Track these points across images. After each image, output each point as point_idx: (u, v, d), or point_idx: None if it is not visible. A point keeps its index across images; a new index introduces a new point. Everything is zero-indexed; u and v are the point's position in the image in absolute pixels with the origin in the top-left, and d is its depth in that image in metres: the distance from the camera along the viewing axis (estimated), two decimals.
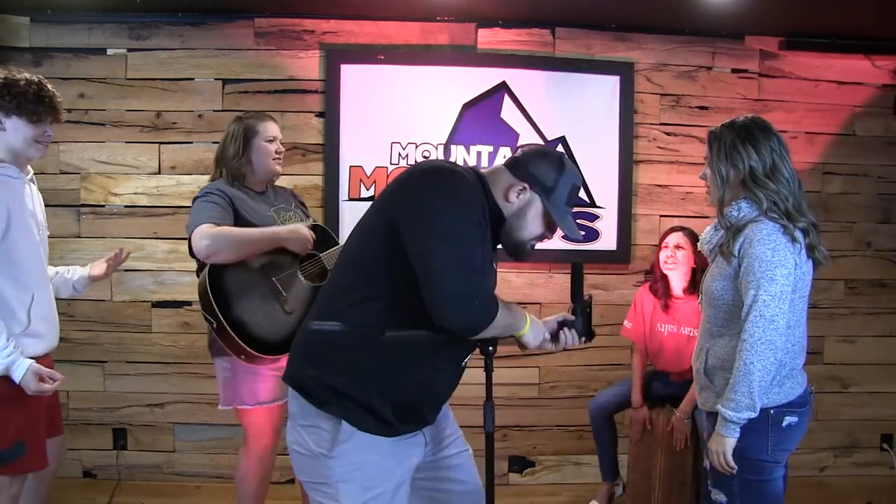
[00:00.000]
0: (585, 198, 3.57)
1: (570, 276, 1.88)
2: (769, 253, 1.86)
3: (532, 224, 1.77)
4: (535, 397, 3.65)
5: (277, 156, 2.61)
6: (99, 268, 2.52)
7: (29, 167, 2.26)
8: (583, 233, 1.92)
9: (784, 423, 1.93)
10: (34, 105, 2.10)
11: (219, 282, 2.38)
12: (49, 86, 2.16)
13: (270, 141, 2.58)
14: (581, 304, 1.88)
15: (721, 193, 2.01)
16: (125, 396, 3.50)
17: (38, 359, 2.14)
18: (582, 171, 3.54)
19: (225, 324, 2.34)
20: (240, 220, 2.44)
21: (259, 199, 2.58)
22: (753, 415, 1.87)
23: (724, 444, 1.91)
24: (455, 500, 1.93)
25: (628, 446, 3.27)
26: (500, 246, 1.85)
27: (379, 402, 1.67)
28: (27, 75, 2.13)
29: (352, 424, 1.68)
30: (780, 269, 1.86)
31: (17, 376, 2.04)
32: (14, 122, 2.10)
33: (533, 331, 1.79)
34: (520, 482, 3.68)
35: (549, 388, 3.65)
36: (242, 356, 2.39)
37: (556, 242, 3.09)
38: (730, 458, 1.91)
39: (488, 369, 1.76)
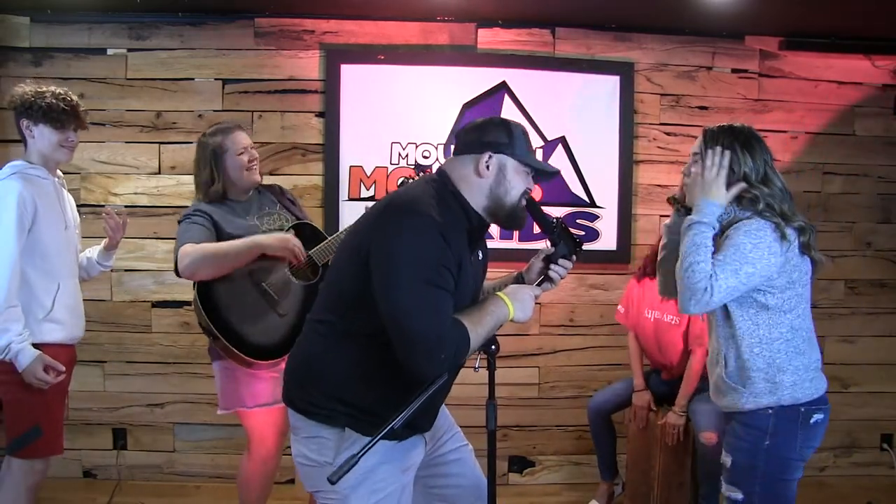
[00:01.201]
0: (585, 198, 3.57)
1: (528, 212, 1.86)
2: (749, 246, 1.85)
3: (514, 181, 1.77)
4: (535, 397, 3.65)
5: (251, 164, 2.52)
6: (107, 240, 2.64)
7: (59, 172, 2.47)
8: (558, 168, 1.94)
9: (812, 420, 1.98)
10: (58, 113, 2.32)
11: (210, 296, 2.39)
12: (73, 96, 2.38)
13: (241, 153, 2.50)
14: (554, 230, 1.90)
15: None
16: (125, 396, 3.50)
17: (59, 346, 2.33)
18: (582, 171, 3.56)
19: (223, 339, 2.36)
20: (223, 236, 2.42)
21: (241, 209, 2.53)
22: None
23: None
24: (457, 494, 1.95)
25: (627, 446, 3.27)
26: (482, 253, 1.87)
27: (382, 411, 1.65)
28: (54, 88, 2.36)
29: (355, 431, 1.70)
30: (747, 266, 1.84)
31: (21, 363, 2.20)
32: (41, 128, 2.33)
33: (519, 307, 1.77)
34: (520, 482, 3.68)
35: (549, 388, 3.65)
36: (245, 365, 2.41)
37: None
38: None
39: (491, 368, 1.75)
